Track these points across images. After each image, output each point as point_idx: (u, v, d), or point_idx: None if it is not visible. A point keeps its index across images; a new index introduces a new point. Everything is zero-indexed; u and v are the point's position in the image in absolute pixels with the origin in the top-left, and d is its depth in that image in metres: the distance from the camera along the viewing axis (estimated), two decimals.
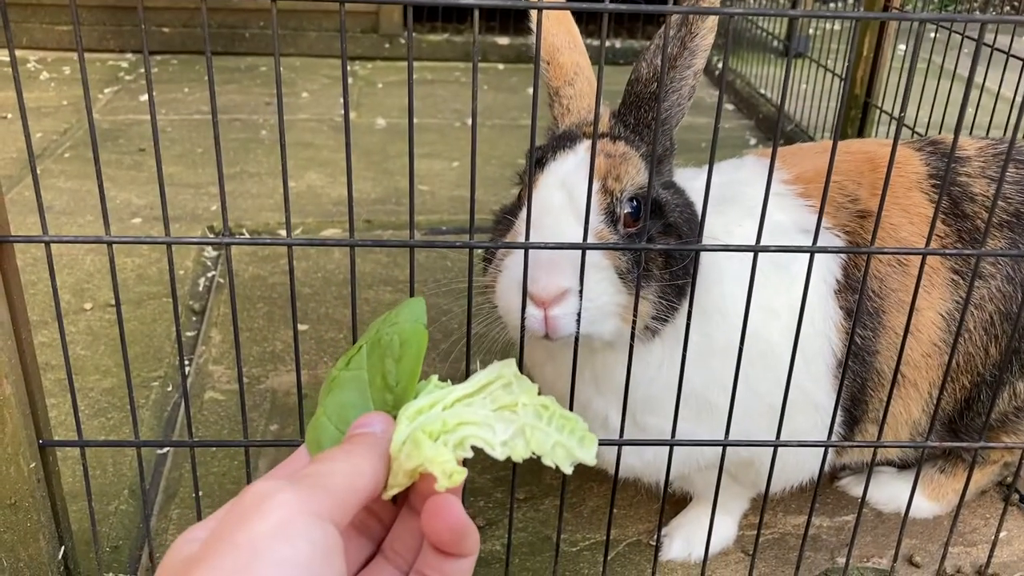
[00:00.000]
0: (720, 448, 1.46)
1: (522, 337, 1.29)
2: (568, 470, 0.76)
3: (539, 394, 0.80)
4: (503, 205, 1.51)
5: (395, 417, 0.77)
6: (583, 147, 1.39)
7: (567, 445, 0.76)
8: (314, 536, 0.61)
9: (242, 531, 0.59)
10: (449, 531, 0.71)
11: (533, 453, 0.76)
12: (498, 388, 0.79)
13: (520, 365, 1.41)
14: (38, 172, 1.23)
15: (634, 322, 1.29)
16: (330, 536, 0.63)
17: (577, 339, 1.29)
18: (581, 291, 1.25)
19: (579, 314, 1.26)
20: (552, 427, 0.77)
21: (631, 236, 1.34)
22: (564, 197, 1.31)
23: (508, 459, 0.76)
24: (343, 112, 1.14)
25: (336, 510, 0.65)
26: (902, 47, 3.96)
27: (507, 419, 0.77)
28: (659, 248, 1.31)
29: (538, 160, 1.39)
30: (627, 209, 1.35)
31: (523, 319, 1.25)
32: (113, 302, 1.60)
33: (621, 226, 1.35)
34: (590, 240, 1.23)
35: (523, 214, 1.24)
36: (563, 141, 1.41)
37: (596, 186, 1.32)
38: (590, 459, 0.76)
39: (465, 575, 0.75)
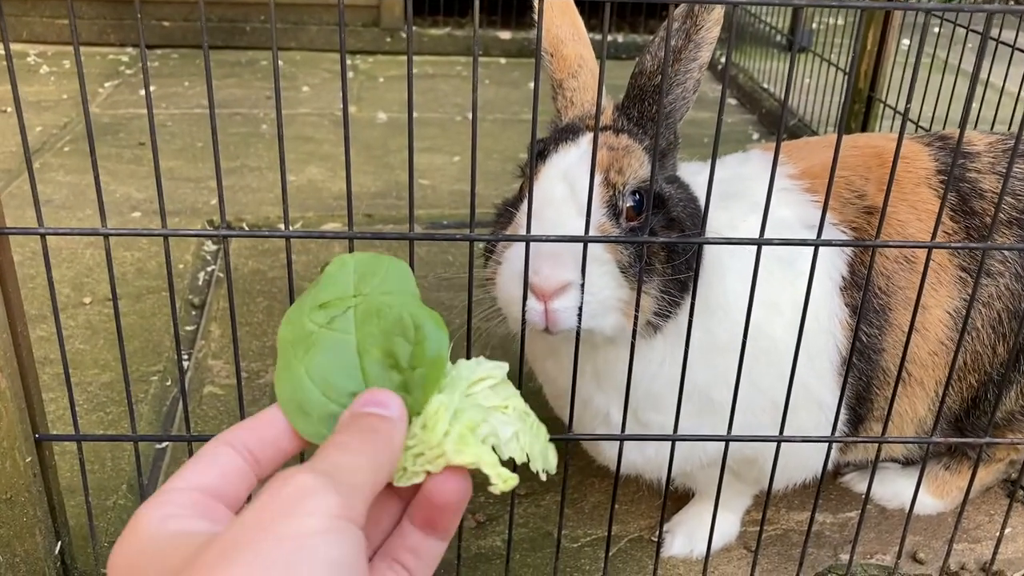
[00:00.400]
0: (722, 445, 1.45)
1: (523, 330, 1.28)
2: (544, 477, 0.79)
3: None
4: (505, 199, 1.49)
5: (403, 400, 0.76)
6: (585, 140, 1.37)
7: (545, 454, 0.80)
8: (351, 539, 0.61)
9: (286, 526, 0.59)
10: (457, 498, 0.73)
11: (526, 456, 0.78)
12: (487, 388, 0.80)
13: (521, 358, 1.40)
14: (37, 166, 1.22)
15: (636, 317, 1.28)
16: (359, 539, 0.62)
17: (579, 334, 1.28)
18: (583, 285, 1.23)
19: (580, 308, 1.24)
20: (533, 434, 0.79)
21: (633, 230, 1.33)
22: (566, 190, 1.30)
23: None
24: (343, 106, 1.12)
25: (358, 510, 0.65)
26: (906, 41, 3.94)
27: (504, 420, 0.77)
28: (661, 241, 1.29)
29: (540, 152, 1.37)
30: (629, 203, 1.34)
31: (524, 312, 1.24)
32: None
33: (623, 219, 1.33)
34: (592, 233, 1.22)
35: (524, 206, 1.22)
36: (565, 134, 1.39)
37: (598, 179, 1.30)
38: (553, 468, 0.81)
39: (436, 561, 0.76)
